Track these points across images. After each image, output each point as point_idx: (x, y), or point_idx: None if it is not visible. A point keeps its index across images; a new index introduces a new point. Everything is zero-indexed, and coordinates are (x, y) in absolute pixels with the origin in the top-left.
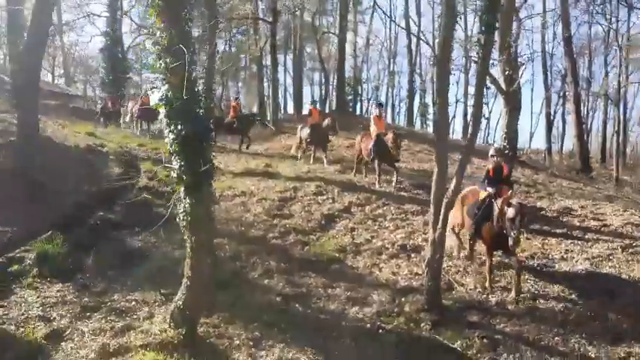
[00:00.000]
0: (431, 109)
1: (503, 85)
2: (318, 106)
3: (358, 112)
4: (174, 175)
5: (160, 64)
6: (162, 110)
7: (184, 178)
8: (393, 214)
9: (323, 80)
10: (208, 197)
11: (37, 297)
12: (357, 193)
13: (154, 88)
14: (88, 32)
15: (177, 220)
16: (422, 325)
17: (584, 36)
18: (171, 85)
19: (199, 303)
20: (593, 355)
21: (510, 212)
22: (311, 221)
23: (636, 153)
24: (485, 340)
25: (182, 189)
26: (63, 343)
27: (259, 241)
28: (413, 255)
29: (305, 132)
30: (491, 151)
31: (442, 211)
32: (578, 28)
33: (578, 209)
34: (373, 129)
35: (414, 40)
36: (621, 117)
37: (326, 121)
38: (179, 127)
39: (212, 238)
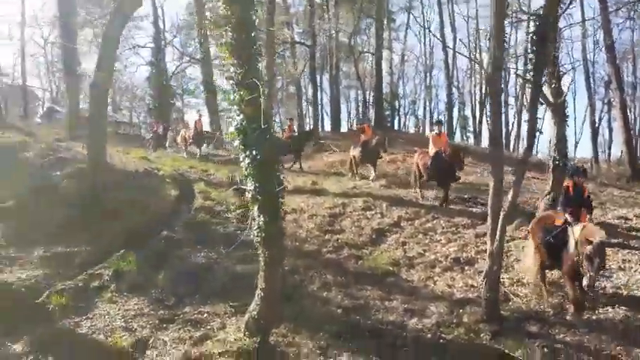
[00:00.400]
0: (470, 122)
1: (550, 97)
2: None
3: (396, 127)
4: (249, 195)
5: (235, 96)
6: (237, 139)
7: (259, 198)
8: (443, 228)
9: (360, 97)
10: (279, 215)
11: (118, 310)
12: (405, 208)
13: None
14: (133, 62)
15: (252, 236)
16: (482, 335)
17: (627, 41)
18: (245, 115)
19: (272, 313)
20: None
21: (589, 250)
22: (362, 235)
23: None
24: (545, 350)
25: (256, 208)
26: (148, 351)
27: (314, 255)
28: (466, 267)
29: (357, 150)
30: (572, 171)
31: (500, 223)
32: (620, 33)
33: (633, 218)
34: (431, 147)
35: (449, 53)
36: None
37: (376, 139)
38: (254, 152)
39: (283, 253)
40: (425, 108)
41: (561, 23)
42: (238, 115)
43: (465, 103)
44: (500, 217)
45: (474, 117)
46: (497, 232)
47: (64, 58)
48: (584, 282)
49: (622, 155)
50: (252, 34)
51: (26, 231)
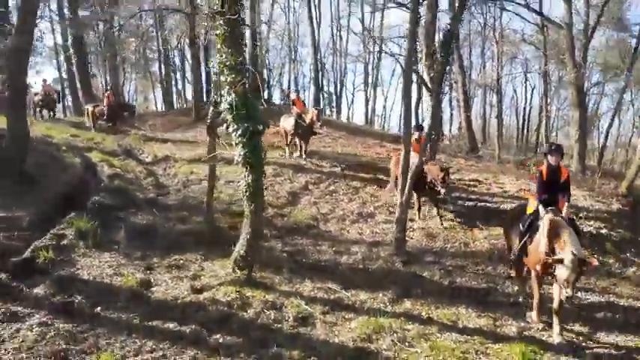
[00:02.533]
0: (334, 97)
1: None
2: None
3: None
4: (240, 159)
5: (227, 78)
6: (229, 114)
7: (249, 161)
8: (343, 190)
9: None
10: (262, 175)
11: (100, 262)
12: (309, 174)
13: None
14: None
15: (241, 192)
16: (396, 264)
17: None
18: (237, 94)
19: (256, 252)
20: None
21: (567, 261)
22: (280, 198)
23: (509, 135)
24: (442, 271)
25: (246, 170)
26: (154, 288)
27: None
28: (369, 220)
29: (289, 123)
30: (545, 149)
31: (408, 182)
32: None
33: (483, 180)
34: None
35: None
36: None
37: (310, 115)
38: (246, 125)
39: (263, 204)
40: (289, 81)
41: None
42: (229, 95)
43: (329, 79)
44: (408, 177)
45: (336, 93)
46: (406, 189)
47: None
48: (562, 295)
49: (462, 131)
50: (241, 28)
51: None
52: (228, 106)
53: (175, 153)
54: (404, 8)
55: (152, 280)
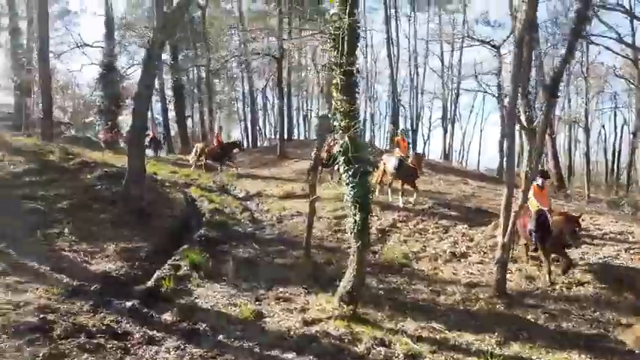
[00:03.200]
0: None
1: (525, 124)
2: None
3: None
4: (349, 199)
5: (341, 124)
6: (341, 157)
7: (358, 200)
8: (433, 229)
9: None
10: (369, 213)
11: (214, 292)
12: (396, 212)
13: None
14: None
15: (348, 230)
16: (497, 307)
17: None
18: (349, 138)
19: (360, 287)
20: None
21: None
22: (369, 235)
23: (596, 172)
24: (547, 315)
25: (354, 208)
26: (267, 319)
27: (337, 250)
28: (462, 260)
29: (392, 163)
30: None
31: (510, 222)
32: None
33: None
34: (534, 203)
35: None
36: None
37: (411, 159)
38: (357, 166)
39: (369, 241)
40: (365, 118)
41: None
42: (342, 138)
43: (405, 116)
44: (511, 217)
45: (413, 129)
46: (508, 229)
47: (40, 46)
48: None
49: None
50: (355, 77)
51: (84, 229)
52: (341, 149)
53: (265, 189)
54: (487, 46)
55: (264, 312)
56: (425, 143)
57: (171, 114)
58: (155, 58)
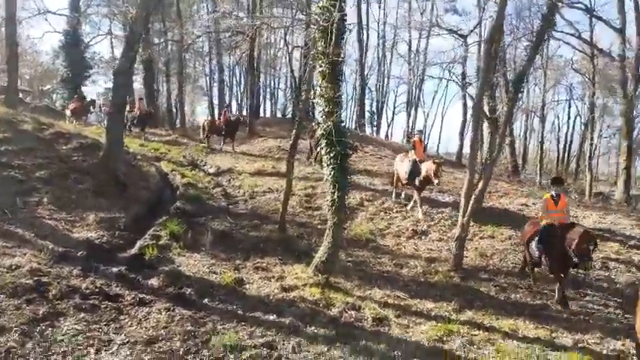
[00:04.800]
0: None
1: (487, 114)
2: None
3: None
4: (329, 179)
5: (324, 109)
6: (323, 140)
7: (337, 178)
8: (397, 208)
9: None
10: (346, 191)
11: (194, 260)
12: (363, 192)
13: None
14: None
15: (327, 206)
16: (454, 279)
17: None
18: (333, 124)
19: (334, 259)
20: None
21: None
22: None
23: (548, 160)
24: (497, 287)
25: (332, 186)
26: (247, 285)
27: (308, 225)
28: (423, 237)
29: (403, 168)
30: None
31: (470, 204)
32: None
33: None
34: (543, 213)
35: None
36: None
37: (429, 166)
38: (337, 148)
39: (345, 217)
40: None
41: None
42: (325, 122)
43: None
44: (471, 200)
45: (378, 112)
46: (468, 210)
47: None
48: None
49: (503, 154)
50: (340, 66)
51: (64, 198)
52: (323, 132)
53: (236, 166)
54: (455, 35)
55: (244, 279)
56: (388, 126)
57: (138, 86)
58: (138, 34)
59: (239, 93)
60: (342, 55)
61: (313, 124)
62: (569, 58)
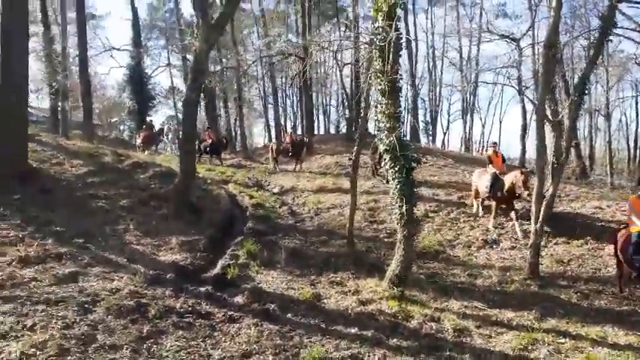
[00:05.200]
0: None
1: (550, 117)
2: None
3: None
4: (396, 193)
5: (387, 125)
6: (387, 155)
7: (404, 192)
8: (464, 217)
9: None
10: (414, 204)
11: (272, 277)
12: (427, 203)
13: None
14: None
15: (395, 219)
16: (531, 287)
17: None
18: (396, 139)
19: (407, 272)
20: None
21: None
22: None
23: (618, 159)
24: (579, 294)
25: (399, 199)
26: (325, 300)
27: (375, 239)
28: (494, 246)
29: (483, 182)
30: None
31: (542, 210)
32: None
33: (606, 208)
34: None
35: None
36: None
37: (512, 178)
38: (402, 163)
39: (415, 229)
40: None
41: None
42: (388, 138)
43: (425, 109)
44: (543, 206)
45: (432, 121)
46: (540, 216)
47: (80, 54)
48: None
49: (570, 157)
50: (398, 83)
51: (146, 224)
52: (387, 147)
53: (298, 184)
54: (507, 39)
55: (321, 294)
56: (444, 134)
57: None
58: (202, 65)
59: (292, 113)
60: (399, 72)
61: (376, 139)
62: (632, 53)
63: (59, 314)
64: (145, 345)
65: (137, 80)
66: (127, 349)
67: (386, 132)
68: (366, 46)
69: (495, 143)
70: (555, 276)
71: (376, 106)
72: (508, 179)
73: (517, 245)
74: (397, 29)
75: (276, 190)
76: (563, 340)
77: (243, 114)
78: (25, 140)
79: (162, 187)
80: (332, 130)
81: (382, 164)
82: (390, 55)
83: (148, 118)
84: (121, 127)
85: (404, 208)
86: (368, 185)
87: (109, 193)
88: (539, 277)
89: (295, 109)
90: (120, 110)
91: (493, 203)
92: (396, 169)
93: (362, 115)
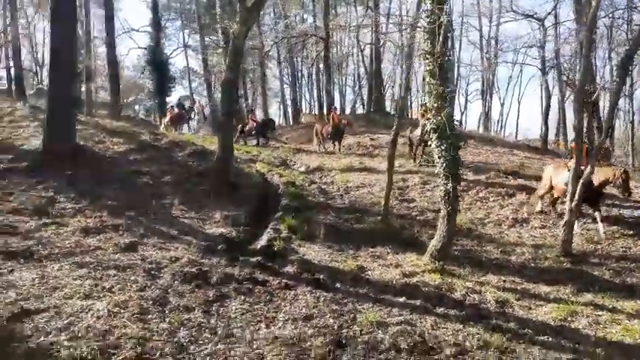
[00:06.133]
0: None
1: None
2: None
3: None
4: (442, 171)
5: (434, 105)
6: (434, 134)
7: (450, 170)
8: (493, 196)
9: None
10: (459, 182)
11: (314, 251)
12: None
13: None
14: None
15: (439, 196)
16: (564, 264)
17: None
18: (443, 118)
19: (450, 245)
20: None
21: None
22: (435, 203)
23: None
24: (611, 271)
25: (446, 178)
26: (369, 272)
27: (407, 217)
28: (524, 225)
29: (561, 178)
30: None
31: (578, 190)
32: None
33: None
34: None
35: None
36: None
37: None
38: (449, 141)
39: (458, 207)
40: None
41: None
42: (435, 117)
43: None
44: (579, 186)
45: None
46: (576, 195)
47: (108, 40)
48: None
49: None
50: (443, 63)
51: (189, 199)
52: (434, 127)
53: (324, 164)
54: (532, 19)
55: (364, 266)
56: (461, 114)
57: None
58: (241, 47)
59: (308, 93)
60: (448, 54)
61: (423, 120)
62: None
63: (131, 279)
64: (213, 307)
65: (157, 61)
66: (198, 311)
67: (434, 111)
68: (409, 28)
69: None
70: (586, 254)
71: (425, 87)
72: (601, 176)
73: (547, 225)
74: (447, 13)
75: (302, 169)
76: (601, 313)
77: (266, 95)
78: (74, 119)
79: (200, 164)
80: (347, 111)
81: (421, 145)
82: (440, 37)
83: (171, 100)
84: (136, 107)
85: (449, 185)
86: (396, 165)
87: (152, 170)
88: (571, 255)
89: (312, 89)
90: (138, 91)
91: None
92: (443, 147)
93: (402, 96)
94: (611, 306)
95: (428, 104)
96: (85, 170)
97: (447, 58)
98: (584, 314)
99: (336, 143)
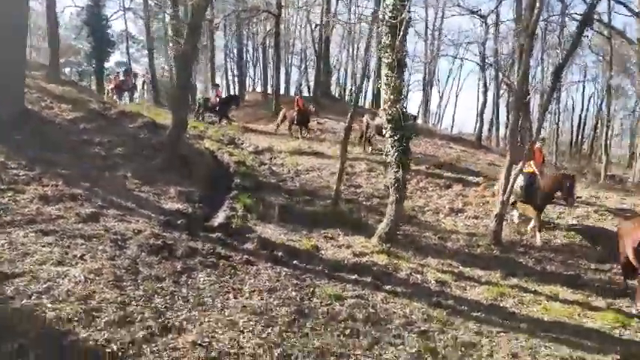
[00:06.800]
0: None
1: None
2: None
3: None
4: (393, 160)
5: (390, 97)
6: (388, 125)
7: (401, 159)
8: (432, 186)
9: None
10: (407, 170)
11: (270, 230)
12: None
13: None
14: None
15: (388, 183)
16: (494, 252)
17: None
18: (396, 110)
19: (396, 230)
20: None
21: None
22: (378, 190)
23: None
24: (534, 260)
25: (396, 166)
26: (322, 251)
27: (354, 201)
28: (459, 214)
29: (519, 180)
30: None
31: (510, 182)
32: None
33: None
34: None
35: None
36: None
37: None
38: (402, 133)
39: (405, 194)
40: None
41: None
42: (391, 109)
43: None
44: (511, 179)
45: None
46: (508, 189)
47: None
48: None
49: None
50: (402, 57)
51: (142, 173)
52: (389, 118)
53: (273, 145)
54: (475, 16)
55: (319, 246)
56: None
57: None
58: (199, 20)
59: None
60: (405, 49)
61: (379, 111)
62: (586, 36)
63: (99, 248)
64: (182, 278)
65: (95, 23)
66: (169, 280)
67: (389, 103)
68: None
69: (543, 139)
70: (513, 243)
71: (382, 79)
72: (544, 182)
73: (480, 215)
74: (409, 10)
75: (250, 149)
76: (524, 295)
77: (214, 69)
78: (23, 82)
79: (152, 138)
80: (292, 92)
81: (370, 134)
82: (401, 32)
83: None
84: (66, 71)
85: (399, 173)
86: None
87: (103, 141)
88: (500, 243)
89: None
90: (72, 53)
91: (534, 213)
92: (396, 138)
93: (357, 85)
94: (533, 289)
95: (385, 96)
96: (35, 136)
97: (405, 52)
98: (511, 295)
99: (303, 128)
